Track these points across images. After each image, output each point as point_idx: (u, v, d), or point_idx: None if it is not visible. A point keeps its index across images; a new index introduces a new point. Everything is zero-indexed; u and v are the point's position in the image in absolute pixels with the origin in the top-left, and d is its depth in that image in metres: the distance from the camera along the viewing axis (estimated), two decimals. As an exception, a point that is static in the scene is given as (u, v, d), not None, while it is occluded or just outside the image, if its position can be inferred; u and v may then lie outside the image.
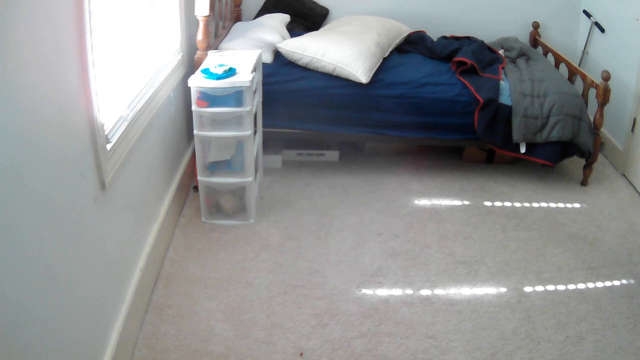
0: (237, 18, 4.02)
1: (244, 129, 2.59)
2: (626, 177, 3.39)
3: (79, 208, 1.57)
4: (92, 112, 1.64)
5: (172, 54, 2.77)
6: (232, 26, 3.61)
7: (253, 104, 2.63)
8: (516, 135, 3.08)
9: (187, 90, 2.69)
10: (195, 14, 2.73)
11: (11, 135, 1.19)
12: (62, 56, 1.45)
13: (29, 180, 1.27)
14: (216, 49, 3.14)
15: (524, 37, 4.12)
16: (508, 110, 3.08)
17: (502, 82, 3.18)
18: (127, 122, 1.99)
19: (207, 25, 2.80)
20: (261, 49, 3.12)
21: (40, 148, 1.33)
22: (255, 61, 2.72)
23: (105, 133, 1.78)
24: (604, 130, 3.54)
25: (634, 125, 3.32)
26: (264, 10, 4.02)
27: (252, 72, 2.57)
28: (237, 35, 3.32)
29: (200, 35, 2.79)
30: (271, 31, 3.26)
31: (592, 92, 3.23)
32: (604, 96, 3.10)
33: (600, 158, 3.54)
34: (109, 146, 1.79)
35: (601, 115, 3.16)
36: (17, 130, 1.21)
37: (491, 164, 3.50)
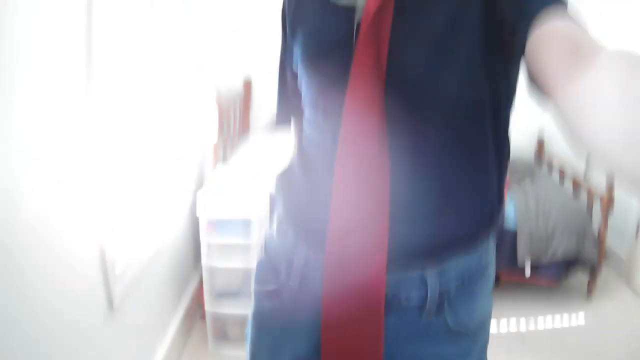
0: (246, 125, 4.04)
1: (252, 259, 2.58)
2: (630, 287, 3.40)
3: (87, 330, 1.59)
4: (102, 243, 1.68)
5: (181, 181, 2.81)
6: (242, 141, 3.64)
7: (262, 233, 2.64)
8: (521, 259, 3.05)
9: (194, 216, 2.70)
10: (204, 141, 2.80)
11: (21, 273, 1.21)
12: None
13: (37, 301, 1.29)
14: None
15: (529, 150, 4.16)
16: (512, 236, 3.07)
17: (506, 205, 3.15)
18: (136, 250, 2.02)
19: (216, 151, 2.87)
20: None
21: (52, 273, 1.36)
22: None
23: (114, 261, 1.80)
24: (607, 240, 3.53)
25: (638, 232, 3.33)
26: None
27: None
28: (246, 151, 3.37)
29: (209, 160, 2.86)
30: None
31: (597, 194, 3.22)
32: (608, 207, 3.12)
33: (603, 268, 3.52)
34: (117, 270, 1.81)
35: (605, 227, 3.17)
36: (26, 258, 1.24)
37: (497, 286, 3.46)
